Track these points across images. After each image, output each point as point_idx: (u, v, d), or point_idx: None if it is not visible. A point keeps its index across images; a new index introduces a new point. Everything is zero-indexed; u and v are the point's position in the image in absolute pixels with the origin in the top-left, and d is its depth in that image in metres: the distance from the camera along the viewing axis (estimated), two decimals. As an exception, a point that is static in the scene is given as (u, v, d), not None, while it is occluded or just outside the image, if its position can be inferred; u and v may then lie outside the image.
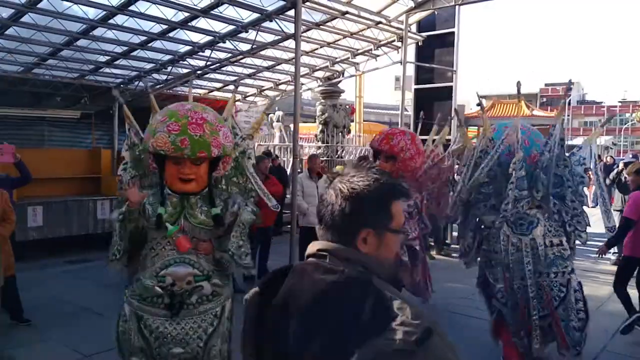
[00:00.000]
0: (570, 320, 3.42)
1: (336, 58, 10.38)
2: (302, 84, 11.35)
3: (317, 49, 9.70)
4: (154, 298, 2.33)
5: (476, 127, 23.64)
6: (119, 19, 7.29)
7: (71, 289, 5.61)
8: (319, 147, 11.40)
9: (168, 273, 2.31)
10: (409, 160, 4.53)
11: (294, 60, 6.70)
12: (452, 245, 8.05)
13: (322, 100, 11.70)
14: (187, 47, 8.76)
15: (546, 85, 46.42)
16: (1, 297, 3.97)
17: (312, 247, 1.11)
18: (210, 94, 12.74)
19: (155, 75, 10.25)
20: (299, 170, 6.73)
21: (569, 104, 30.21)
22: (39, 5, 6.65)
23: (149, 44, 8.40)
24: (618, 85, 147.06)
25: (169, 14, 7.31)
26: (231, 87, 12.11)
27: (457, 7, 8.96)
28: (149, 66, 9.52)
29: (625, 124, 42.44)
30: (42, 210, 7.06)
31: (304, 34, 8.33)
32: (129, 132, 2.91)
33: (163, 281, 2.31)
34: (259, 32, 7.99)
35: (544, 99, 43.02)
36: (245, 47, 8.79)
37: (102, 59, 9.07)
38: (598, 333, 4.24)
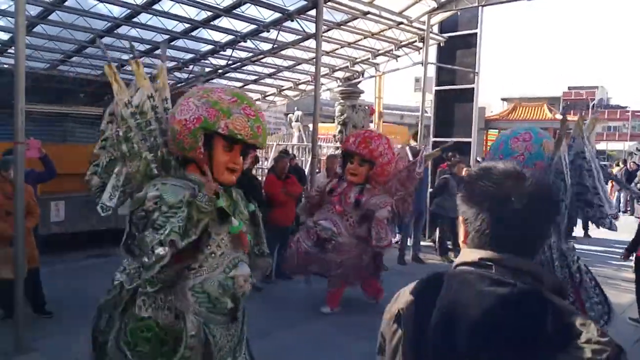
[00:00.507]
0: (590, 298, 3.64)
1: (356, 58, 10.34)
2: (322, 84, 11.33)
3: (337, 49, 9.68)
4: (220, 304, 2.08)
5: (497, 130, 23.35)
6: (143, 18, 7.40)
7: (92, 283, 5.62)
8: (337, 148, 11.37)
9: (239, 274, 2.09)
10: (386, 165, 4.48)
11: (314, 60, 6.69)
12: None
13: (342, 101, 11.66)
14: (209, 46, 8.85)
15: (569, 88, 45.48)
16: (24, 289, 4.03)
17: (472, 255, 1.04)
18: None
19: (177, 74, 10.38)
20: (317, 170, 6.72)
21: (592, 107, 29.50)
22: (65, 4, 6.80)
23: (172, 43, 8.51)
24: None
25: (192, 13, 7.40)
26: (251, 86, 12.19)
27: (480, 8, 8.81)
28: (171, 64, 9.64)
29: (651, 129, 41.35)
30: (64, 205, 7.17)
31: (325, 34, 8.31)
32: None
33: (233, 283, 2.10)
34: (280, 32, 8.01)
35: (567, 102, 42.15)
36: (266, 46, 8.83)
37: (126, 56, 9.21)
38: (618, 340, 4.14)
